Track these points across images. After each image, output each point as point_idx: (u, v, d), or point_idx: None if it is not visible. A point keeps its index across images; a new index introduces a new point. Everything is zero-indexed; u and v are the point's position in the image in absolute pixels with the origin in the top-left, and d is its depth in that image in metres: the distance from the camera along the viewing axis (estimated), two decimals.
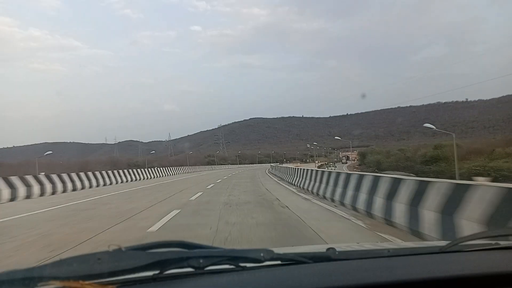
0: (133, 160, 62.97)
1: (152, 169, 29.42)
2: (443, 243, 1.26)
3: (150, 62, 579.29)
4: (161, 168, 32.26)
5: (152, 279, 0.92)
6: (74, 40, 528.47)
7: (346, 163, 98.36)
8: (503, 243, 1.22)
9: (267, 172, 37.25)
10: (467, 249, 1.20)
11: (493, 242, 1.22)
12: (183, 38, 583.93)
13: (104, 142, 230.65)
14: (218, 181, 22.45)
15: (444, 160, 35.36)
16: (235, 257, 1.00)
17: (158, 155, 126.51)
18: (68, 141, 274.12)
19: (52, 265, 0.88)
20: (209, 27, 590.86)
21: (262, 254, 0.98)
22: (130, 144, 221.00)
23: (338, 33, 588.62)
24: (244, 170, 49.79)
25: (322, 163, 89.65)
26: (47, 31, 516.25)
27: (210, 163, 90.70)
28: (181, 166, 46.41)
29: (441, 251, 1.19)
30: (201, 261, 0.93)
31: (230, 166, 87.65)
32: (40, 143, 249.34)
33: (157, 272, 0.91)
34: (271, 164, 66.46)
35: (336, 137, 71.01)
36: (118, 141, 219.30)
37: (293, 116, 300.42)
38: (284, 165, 48.19)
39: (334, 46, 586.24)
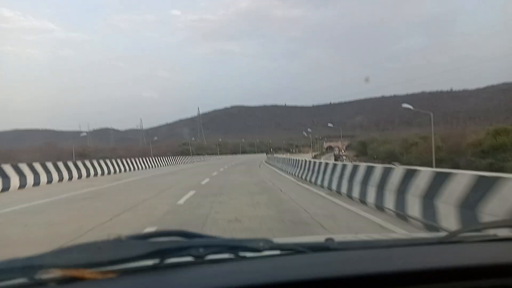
0: (80, 149, 55.17)
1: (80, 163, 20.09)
2: (442, 234, 1.27)
3: (128, 47, 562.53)
4: (91, 163, 21.69)
5: (152, 268, 0.91)
6: (49, 22, 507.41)
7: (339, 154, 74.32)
8: (501, 234, 1.21)
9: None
10: (466, 240, 1.20)
11: (492, 233, 1.23)
12: (162, 23, 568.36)
13: (78, 130, 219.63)
14: None
15: None
16: (234, 247, 1.00)
17: (130, 144, 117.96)
18: (40, 128, 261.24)
19: (52, 254, 0.88)
20: (188, 11, 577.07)
21: (261, 244, 0.98)
22: (106, 132, 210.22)
23: (320, 21, 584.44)
24: (230, 167, 29.52)
25: (316, 153, 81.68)
26: (20, 12, 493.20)
27: (184, 152, 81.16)
28: (142, 156, 38.13)
29: (440, 242, 1.19)
30: (201, 250, 0.93)
31: (207, 157, 74.48)
32: (10, 130, 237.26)
33: (157, 261, 0.91)
34: (268, 155, 52.05)
35: (329, 124, 62.95)
36: (93, 128, 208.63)
37: (276, 105, 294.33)
38: (276, 155, 36.59)
39: (315, 35, 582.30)
